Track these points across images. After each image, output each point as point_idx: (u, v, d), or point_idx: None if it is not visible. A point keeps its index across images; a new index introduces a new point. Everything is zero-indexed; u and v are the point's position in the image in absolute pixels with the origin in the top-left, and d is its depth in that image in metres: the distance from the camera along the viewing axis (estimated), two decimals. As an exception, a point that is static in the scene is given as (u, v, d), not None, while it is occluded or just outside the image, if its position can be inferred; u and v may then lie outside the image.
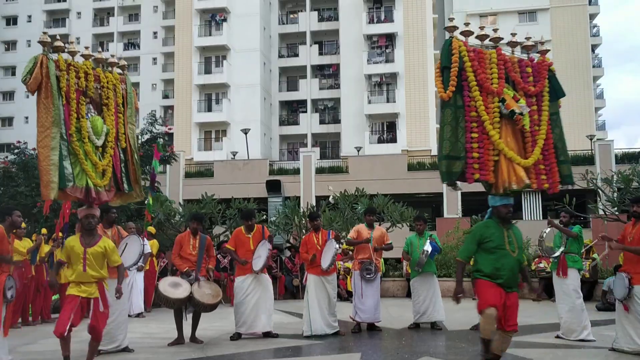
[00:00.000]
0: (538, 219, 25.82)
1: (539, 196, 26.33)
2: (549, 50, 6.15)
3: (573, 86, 33.41)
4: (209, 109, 39.35)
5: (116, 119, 6.46)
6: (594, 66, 41.50)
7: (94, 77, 6.29)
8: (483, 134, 5.30)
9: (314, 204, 21.85)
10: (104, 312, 5.48)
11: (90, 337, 5.51)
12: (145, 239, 8.92)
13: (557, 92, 5.82)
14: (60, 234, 10.64)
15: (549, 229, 7.65)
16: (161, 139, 21.14)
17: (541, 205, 26.90)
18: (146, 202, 10.37)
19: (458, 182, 5.39)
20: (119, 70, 6.78)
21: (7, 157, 19.50)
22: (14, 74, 46.81)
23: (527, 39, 5.87)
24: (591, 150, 27.18)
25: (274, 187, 28.46)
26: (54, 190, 5.57)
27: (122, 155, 6.49)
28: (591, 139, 28.62)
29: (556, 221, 7.80)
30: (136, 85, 40.59)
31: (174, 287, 7.16)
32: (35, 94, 5.78)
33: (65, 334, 5.28)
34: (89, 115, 6.27)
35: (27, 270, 8.85)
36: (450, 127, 5.31)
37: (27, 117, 45.92)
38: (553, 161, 5.55)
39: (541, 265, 13.24)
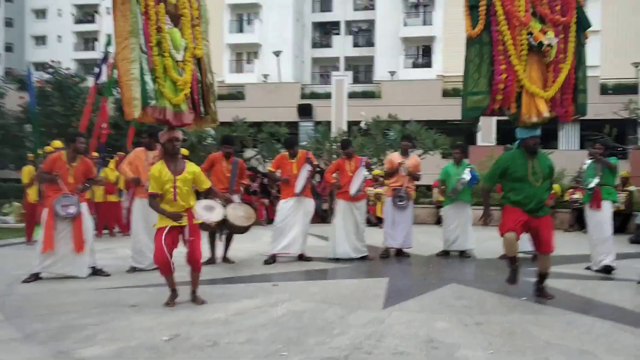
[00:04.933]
0: (575, 148, 25.22)
1: (577, 126, 25.61)
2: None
3: (622, 9, 31.42)
4: (241, 30, 38.61)
5: (193, 33, 5.80)
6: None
7: None
8: (509, 66, 5.34)
9: (346, 129, 21.68)
10: (196, 240, 5.21)
11: (190, 267, 5.27)
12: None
13: (583, 24, 5.75)
14: (95, 154, 10.89)
15: (589, 161, 7.38)
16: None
17: (579, 135, 26.18)
18: None
19: (478, 119, 5.58)
20: None
21: (41, 76, 19.71)
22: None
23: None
24: (637, 78, 25.96)
25: (305, 111, 28.24)
26: (137, 107, 5.04)
27: (199, 74, 5.90)
28: (637, 66, 27.26)
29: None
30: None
31: (208, 211, 7.25)
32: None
33: (169, 264, 5.05)
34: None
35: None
36: (474, 64, 5.40)
37: (59, 36, 45.93)
38: (571, 91, 5.60)
39: (575, 196, 13.03)
